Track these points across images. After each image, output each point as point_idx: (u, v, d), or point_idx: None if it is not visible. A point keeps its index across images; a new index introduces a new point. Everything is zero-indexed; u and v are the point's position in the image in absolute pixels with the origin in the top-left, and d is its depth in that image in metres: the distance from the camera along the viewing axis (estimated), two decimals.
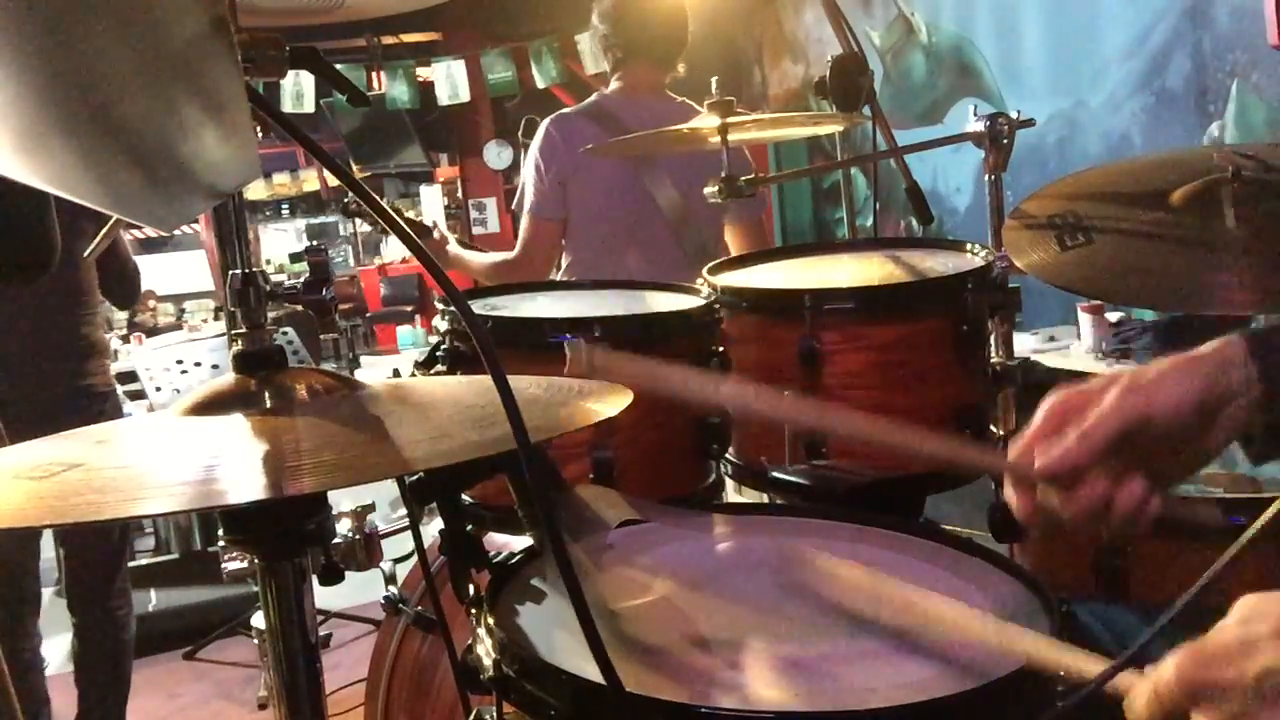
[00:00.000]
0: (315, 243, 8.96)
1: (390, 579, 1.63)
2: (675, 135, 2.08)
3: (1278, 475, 1.24)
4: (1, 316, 2.62)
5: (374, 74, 6.62)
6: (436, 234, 2.77)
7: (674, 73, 2.64)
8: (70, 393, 2.70)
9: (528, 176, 2.58)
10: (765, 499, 1.51)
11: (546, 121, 2.56)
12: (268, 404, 0.81)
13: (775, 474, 1.36)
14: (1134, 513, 0.83)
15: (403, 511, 1.07)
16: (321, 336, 5.52)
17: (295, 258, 9.58)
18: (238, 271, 0.85)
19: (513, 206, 2.67)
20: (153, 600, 3.94)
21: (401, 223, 0.76)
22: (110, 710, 2.87)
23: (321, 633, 1.60)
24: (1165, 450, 0.84)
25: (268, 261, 10.02)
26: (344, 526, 1.33)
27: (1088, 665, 0.71)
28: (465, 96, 6.44)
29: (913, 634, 0.86)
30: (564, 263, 2.61)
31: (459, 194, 8.16)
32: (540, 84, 6.34)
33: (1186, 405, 0.82)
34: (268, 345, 0.83)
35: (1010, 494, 0.89)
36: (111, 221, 2.82)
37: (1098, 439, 0.82)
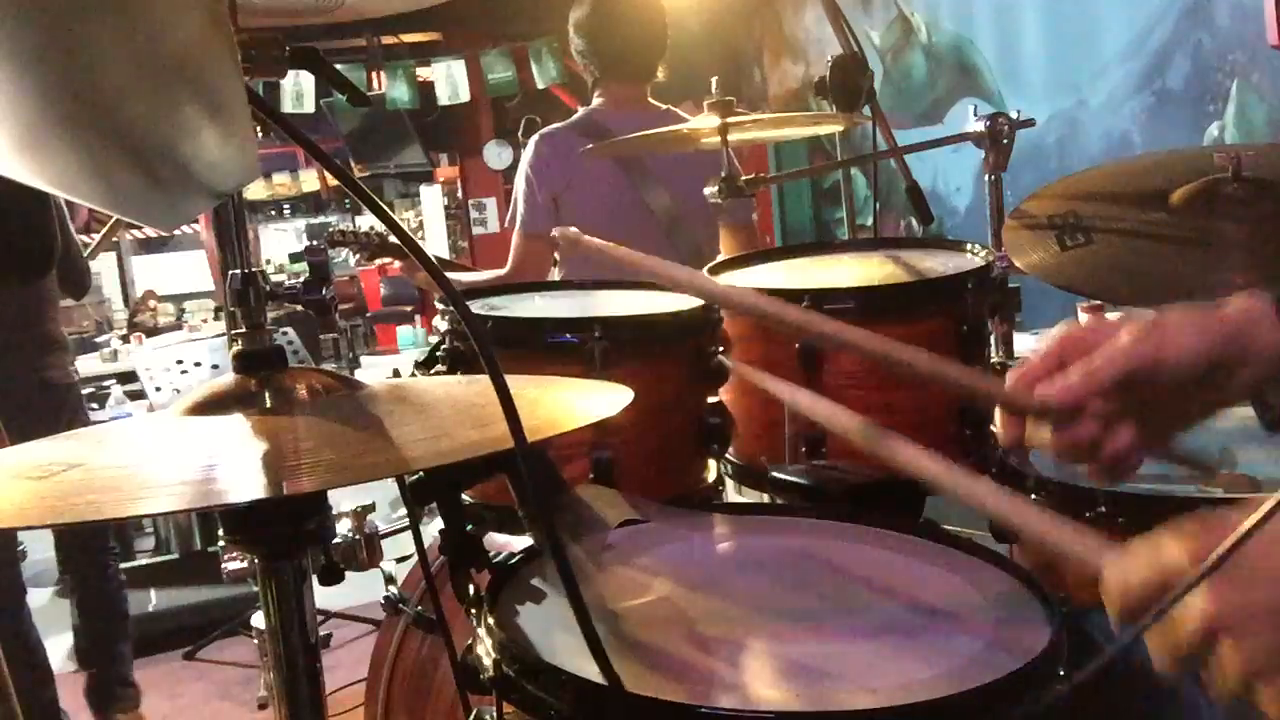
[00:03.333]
0: (315, 242, 8.97)
1: (390, 579, 1.63)
2: (673, 136, 2.08)
3: (1277, 475, 1.24)
4: None
5: (374, 74, 6.61)
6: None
7: (654, 80, 2.64)
8: (33, 385, 2.77)
9: (519, 192, 2.58)
10: (765, 499, 1.51)
11: (536, 137, 2.57)
12: (268, 404, 0.81)
13: (775, 474, 1.36)
14: (1121, 460, 0.81)
15: (403, 511, 1.07)
16: (321, 336, 5.52)
17: (295, 258, 9.58)
18: (238, 271, 0.85)
19: (505, 222, 2.67)
20: (153, 600, 3.94)
21: (400, 224, 0.76)
22: (115, 663, 3.00)
23: (321, 633, 1.60)
24: (1169, 400, 0.81)
25: (268, 261, 10.02)
26: (344, 526, 1.33)
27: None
28: (465, 96, 6.44)
29: (913, 634, 0.86)
30: (559, 273, 2.62)
31: (459, 194, 8.15)
32: (540, 84, 6.34)
33: (1200, 359, 0.79)
34: (268, 345, 0.83)
35: (1000, 422, 0.87)
36: (111, 222, 2.83)
37: (1102, 379, 0.79)
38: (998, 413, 0.88)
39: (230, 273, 0.85)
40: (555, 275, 2.63)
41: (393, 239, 2.86)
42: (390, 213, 0.74)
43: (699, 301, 1.50)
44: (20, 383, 2.75)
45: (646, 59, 2.61)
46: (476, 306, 1.54)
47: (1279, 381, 0.81)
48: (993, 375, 0.88)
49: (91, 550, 3.00)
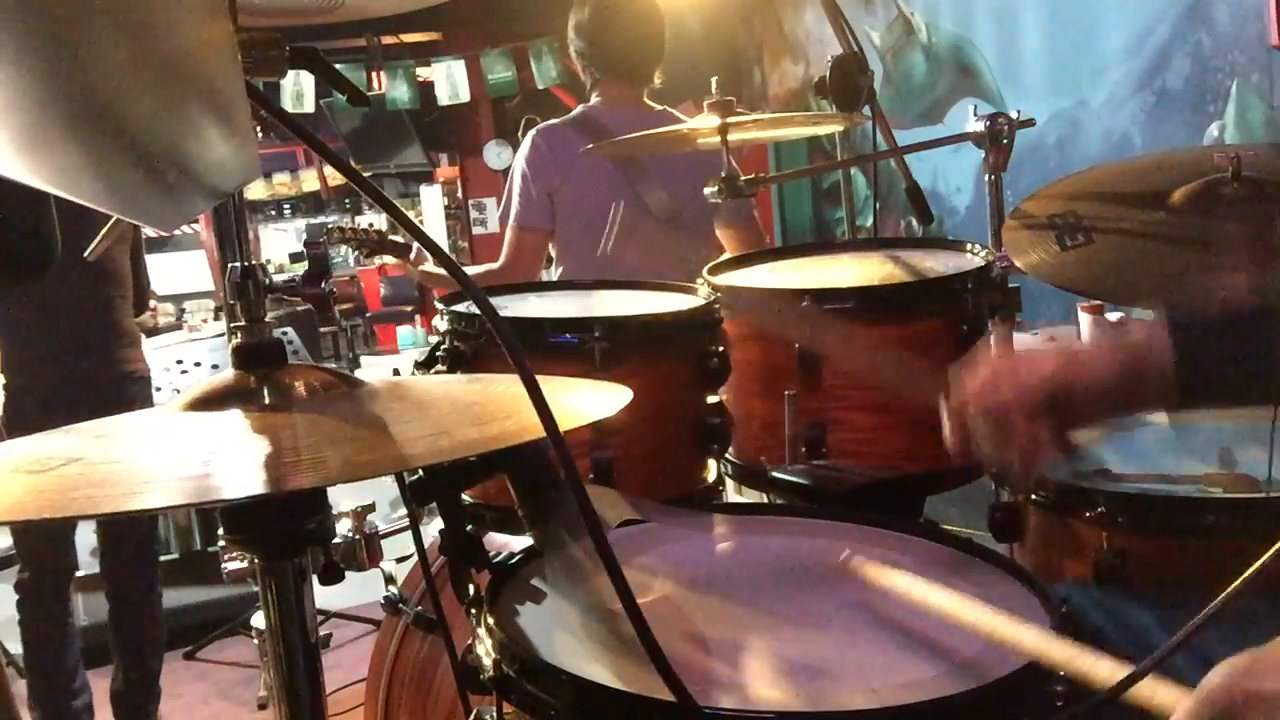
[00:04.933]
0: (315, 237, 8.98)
1: (390, 579, 1.63)
2: (673, 136, 2.08)
3: (1278, 476, 1.24)
4: (41, 310, 2.73)
5: (374, 74, 6.61)
6: (414, 254, 2.78)
7: (650, 85, 2.64)
8: (112, 379, 2.81)
9: (514, 186, 2.58)
10: (765, 499, 1.51)
11: (533, 132, 2.57)
12: (266, 400, 0.80)
13: (775, 474, 1.36)
14: (1036, 459, 1.05)
15: (403, 511, 1.07)
16: (321, 330, 5.52)
17: (295, 258, 9.58)
18: (237, 264, 0.85)
19: (499, 215, 2.68)
20: None
21: (410, 218, 0.76)
22: (147, 674, 3.03)
23: (321, 633, 1.59)
24: (1082, 409, 1.05)
25: (267, 261, 10.01)
26: (344, 526, 1.33)
27: (1093, 664, 0.71)
28: (465, 96, 6.44)
29: (914, 634, 0.86)
30: (556, 272, 2.62)
31: (459, 194, 8.16)
32: (540, 84, 6.34)
33: (1106, 383, 1.03)
34: (267, 339, 0.83)
35: (946, 424, 1.09)
36: (112, 222, 2.84)
37: (1030, 399, 1.02)
38: (944, 414, 1.09)
39: (230, 265, 0.85)
40: (553, 274, 2.64)
41: (393, 235, 2.86)
42: (397, 207, 0.74)
43: (699, 301, 1.50)
44: (100, 377, 2.80)
45: (645, 62, 2.61)
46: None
47: (1174, 390, 1.02)
48: (943, 391, 1.11)
49: (132, 548, 3.05)
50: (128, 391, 2.88)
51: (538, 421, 0.68)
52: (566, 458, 0.70)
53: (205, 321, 7.01)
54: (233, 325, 0.83)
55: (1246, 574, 0.67)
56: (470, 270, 2.77)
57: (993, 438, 1.04)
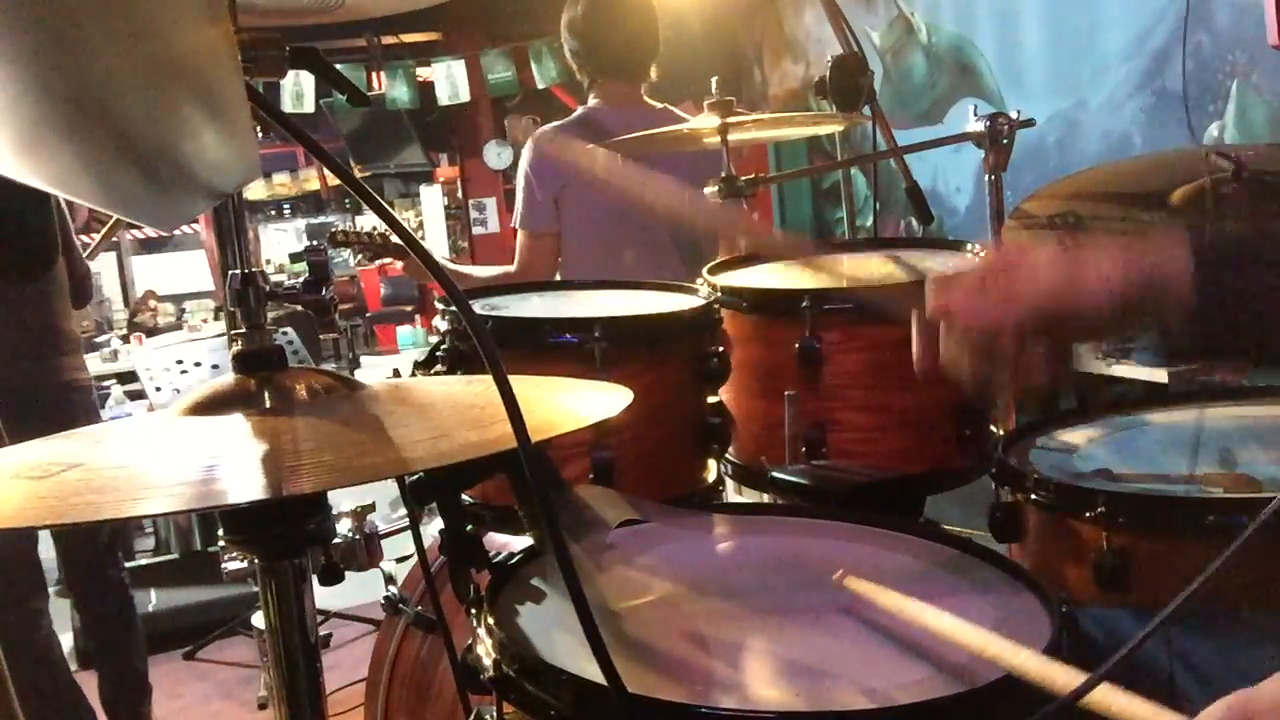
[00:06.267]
0: (315, 243, 8.97)
1: (390, 579, 1.63)
2: (674, 136, 2.08)
3: (1277, 475, 1.24)
4: None
5: (374, 74, 6.61)
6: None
7: (648, 80, 2.64)
8: (55, 388, 2.73)
9: (520, 192, 2.59)
10: (765, 499, 1.51)
11: (535, 136, 2.58)
12: (267, 404, 0.80)
13: (775, 474, 1.36)
14: (1032, 375, 0.88)
15: (403, 511, 1.07)
16: (321, 336, 5.53)
17: (295, 258, 9.58)
18: (237, 271, 0.85)
19: (512, 223, 2.68)
20: (153, 600, 3.93)
21: (399, 220, 0.76)
22: (134, 676, 2.98)
23: (321, 633, 1.59)
24: (1080, 321, 0.88)
25: (268, 261, 10.02)
26: (344, 526, 1.33)
27: (1077, 681, 0.70)
28: (465, 96, 6.43)
29: (913, 634, 0.86)
30: (559, 273, 2.62)
31: (459, 194, 8.15)
32: (540, 84, 6.34)
33: (1113, 299, 0.85)
34: (267, 345, 0.83)
35: (916, 337, 0.93)
36: (111, 222, 2.83)
37: (1020, 309, 0.86)
38: (915, 326, 0.93)
39: (230, 273, 0.85)
40: (559, 276, 2.64)
41: (395, 239, 2.85)
42: (390, 210, 0.74)
43: (699, 301, 1.50)
44: (42, 386, 2.69)
45: (640, 58, 2.62)
46: (477, 306, 1.54)
47: (1182, 317, 0.84)
48: (920, 296, 0.93)
49: (93, 565, 2.95)
50: (72, 404, 2.74)
51: (539, 423, 0.68)
52: (535, 460, 0.70)
53: (205, 321, 7.01)
54: (233, 332, 0.83)
55: (1204, 574, 0.64)
56: (484, 273, 2.77)
57: (974, 359, 0.89)
